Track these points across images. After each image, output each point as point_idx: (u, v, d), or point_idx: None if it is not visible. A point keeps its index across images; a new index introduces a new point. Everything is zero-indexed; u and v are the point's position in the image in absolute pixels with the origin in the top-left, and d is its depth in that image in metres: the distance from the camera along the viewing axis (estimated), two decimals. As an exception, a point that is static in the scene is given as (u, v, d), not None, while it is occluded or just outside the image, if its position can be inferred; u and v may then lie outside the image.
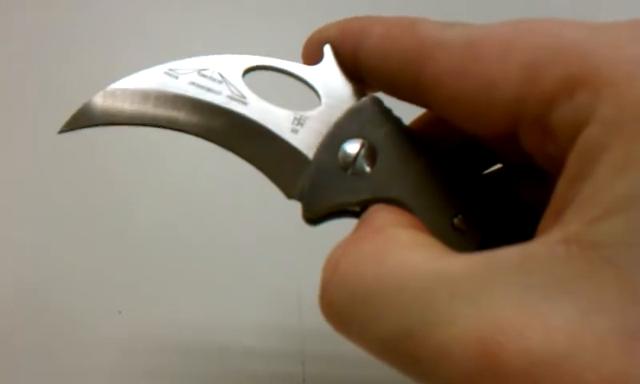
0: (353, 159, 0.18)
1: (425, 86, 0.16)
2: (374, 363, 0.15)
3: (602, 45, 0.13)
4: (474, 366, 0.12)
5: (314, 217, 0.19)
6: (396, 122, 0.19)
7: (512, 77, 0.14)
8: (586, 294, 0.12)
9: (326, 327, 0.16)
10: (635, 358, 0.11)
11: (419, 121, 0.20)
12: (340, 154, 0.18)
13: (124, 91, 0.20)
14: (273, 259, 0.32)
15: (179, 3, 0.41)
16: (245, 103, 0.20)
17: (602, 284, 0.11)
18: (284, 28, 0.39)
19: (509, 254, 0.13)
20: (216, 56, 0.20)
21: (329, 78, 0.19)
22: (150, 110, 0.20)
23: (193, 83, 0.20)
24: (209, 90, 0.20)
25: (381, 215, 0.17)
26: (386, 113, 0.19)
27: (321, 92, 0.19)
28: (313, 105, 0.19)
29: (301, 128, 0.19)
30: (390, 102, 0.19)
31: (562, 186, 0.14)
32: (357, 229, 0.18)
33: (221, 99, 0.20)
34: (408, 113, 0.19)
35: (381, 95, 0.19)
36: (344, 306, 0.15)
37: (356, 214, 0.18)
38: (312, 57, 0.20)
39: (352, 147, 0.18)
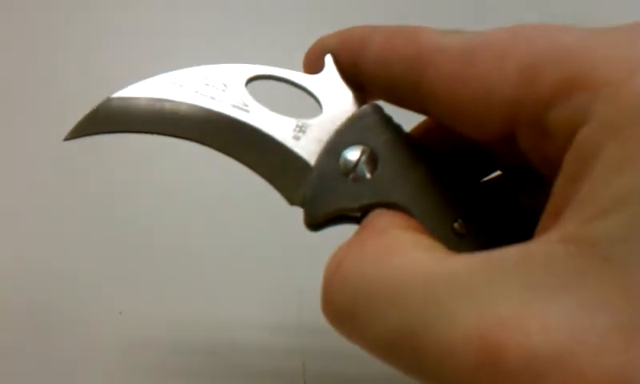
0: (354, 165, 0.18)
1: (425, 91, 0.17)
2: (375, 362, 0.15)
3: (600, 47, 0.14)
4: (475, 363, 0.12)
5: (315, 222, 0.19)
6: (396, 128, 0.19)
7: (509, 79, 0.15)
8: (585, 291, 0.12)
9: (326, 326, 0.16)
10: (635, 354, 0.11)
11: (419, 128, 0.21)
12: (341, 161, 0.19)
13: (129, 100, 0.20)
14: (273, 259, 0.32)
15: (182, 11, 0.41)
16: (247, 111, 0.20)
17: (600, 281, 0.12)
18: (285, 37, 0.39)
19: (508, 253, 0.13)
20: (220, 65, 0.21)
21: (330, 86, 0.20)
22: (154, 118, 0.20)
23: (197, 92, 0.20)
24: (212, 98, 0.20)
25: (383, 218, 0.17)
26: (387, 120, 0.19)
27: (322, 100, 0.20)
28: (314, 113, 0.20)
29: (303, 135, 0.19)
30: (390, 109, 0.19)
31: (559, 186, 0.14)
32: (358, 232, 0.18)
33: (224, 107, 0.20)
34: (408, 120, 0.20)
35: (381, 103, 0.20)
36: (346, 305, 0.15)
37: (357, 220, 0.19)
38: (313, 66, 0.20)
39: (353, 154, 0.19)
